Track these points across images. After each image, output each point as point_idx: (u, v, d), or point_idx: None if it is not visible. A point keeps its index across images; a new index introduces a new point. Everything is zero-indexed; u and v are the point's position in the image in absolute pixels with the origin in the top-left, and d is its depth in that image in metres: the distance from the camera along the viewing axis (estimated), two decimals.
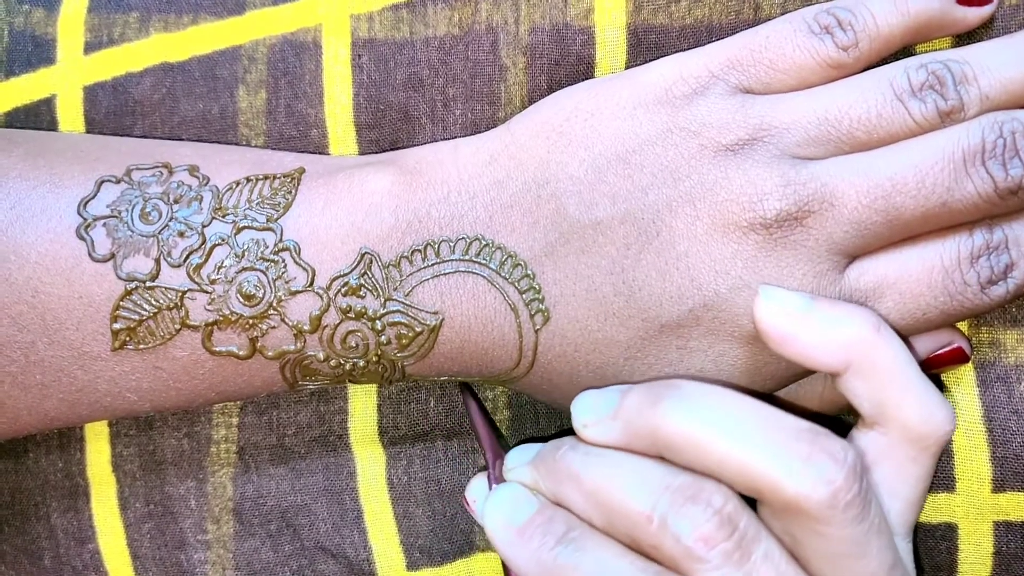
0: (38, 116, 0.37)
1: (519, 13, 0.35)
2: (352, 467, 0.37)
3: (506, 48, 0.35)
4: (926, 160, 0.30)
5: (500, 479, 0.33)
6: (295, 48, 0.36)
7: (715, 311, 0.30)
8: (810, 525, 0.27)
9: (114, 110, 0.36)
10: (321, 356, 0.32)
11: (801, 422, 0.28)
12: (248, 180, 0.33)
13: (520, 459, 0.32)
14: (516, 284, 0.31)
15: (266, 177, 0.33)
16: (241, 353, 0.32)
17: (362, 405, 0.37)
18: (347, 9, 0.36)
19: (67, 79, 0.37)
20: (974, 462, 0.33)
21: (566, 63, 0.35)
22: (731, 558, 0.27)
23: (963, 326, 0.33)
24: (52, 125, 0.37)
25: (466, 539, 0.37)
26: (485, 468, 0.34)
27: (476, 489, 0.34)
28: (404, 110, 0.35)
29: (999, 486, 0.33)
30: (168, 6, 0.37)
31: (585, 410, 0.30)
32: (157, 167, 0.33)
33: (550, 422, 0.37)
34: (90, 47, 0.37)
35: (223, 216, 0.32)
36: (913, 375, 0.28)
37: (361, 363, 0.32)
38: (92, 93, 0.37)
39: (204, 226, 0.32)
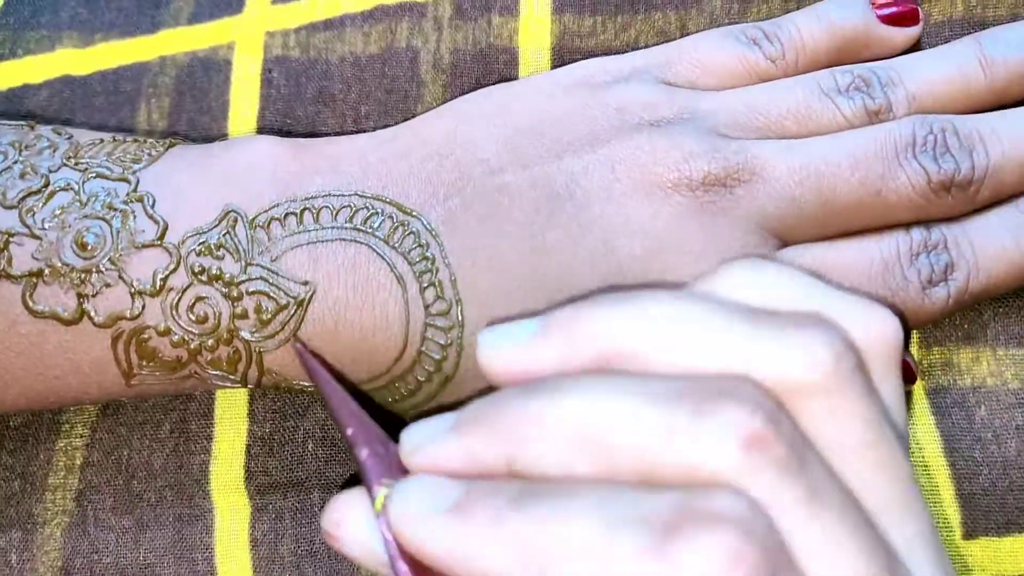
0: None
1: (440, 34, 0.34)
2: (209, 520, 0.31)
3: (426, 65, 0.33)
4: (859, 146, 0.28)
5: (388, 479, 0.22)
6: (204, 65, 0.34)
7: (630, 278, 0.27)
8: (821, 406, 0.21)
9: (3, 119, 0.34)
10: (162, 327, 0.28)
11: (769, 313, 0.22)
12: (115, 140, 0.30)
13: (429, 433, 0.22)
14: (407, 255, 0.28)
15: (136, 140, 0.30)
16: (65, 315, 0.27)
17: (229, 446, 0.31)
18: (262, 27, 0.35)
19: None
20: (939, 504, 0.28)
21: (488, 82, 0.33)
22: (789, 467, 0.20)
23: (912, 349, 0.29)
24: None
25: None
26: (352, 481, 0.25)
27: (344, 505, 0.23)
28: (312, 125, 0.33)
29: (969, 531, 0.28)
30: (80, 24, 0.36)
31: (498, 339, 0.23)
32: (20, 123, 0.30)
33: None
34: None
35: (75, 164, 0.29)
36: (826, 288, 0.23)
37: (210, 342, 0.28)
38: None
39: (51, 171, 0.28)
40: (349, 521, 0.22)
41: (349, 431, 0.24)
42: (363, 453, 0.23)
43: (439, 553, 0.20)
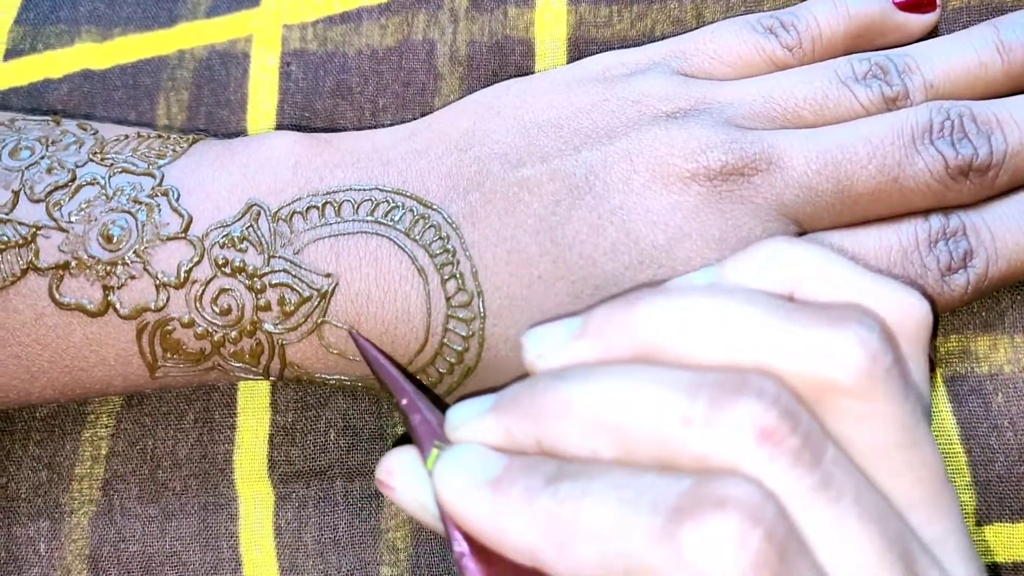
0: None
1: (456, 26, 0.34)
2: (234, 508, 0.32)
3: (443, 58, 0.34)
4: (876, 134, 0.28)
5: (439, 441, 0.24)
6: (222, 58, 0.35)
7: (655, 267, 0.27)
8: (851, 407, 0.21)
9: (27, 114, 0.34)
10: (186, 319, 0.28)
11: (805, 305, 0.22)
12: (139, 136, 0.30)
13: (470, 412, 0.24)
14: (427, 247, 0.28)
15: (160, 136, 0.30)
16: (91, 307, 0.28)
17: (252, 436, 0.32)
18: (279, 20, 0.35)
19: None
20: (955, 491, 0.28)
21: (504, 74, 0.33)
22: (801, 458, 0.20)
23: None
24: None
25: None
26: (402, 439, 0.27)
27: (397, 459, 0.24)
28: (330, 118, 0.34)
29: (984, 517, 0.28)
30: (99, 19, 0.36)
31: (539, 339, 0.23)
32: (46, 119, 0.30)
33: None
34: (11, 54, 0.36)
35: (101, 160, 0.29)
36: (856, 270, 0.23)
37: (233, 334, 0.28)
38: (5, 97, 0.35)
39: (78, 166, 0.29)
40: (401, 472, 0.24)
41: (403, 401, 0.25)
42: (416, 418, 0.25)
43: (476, 524, 0.22)
